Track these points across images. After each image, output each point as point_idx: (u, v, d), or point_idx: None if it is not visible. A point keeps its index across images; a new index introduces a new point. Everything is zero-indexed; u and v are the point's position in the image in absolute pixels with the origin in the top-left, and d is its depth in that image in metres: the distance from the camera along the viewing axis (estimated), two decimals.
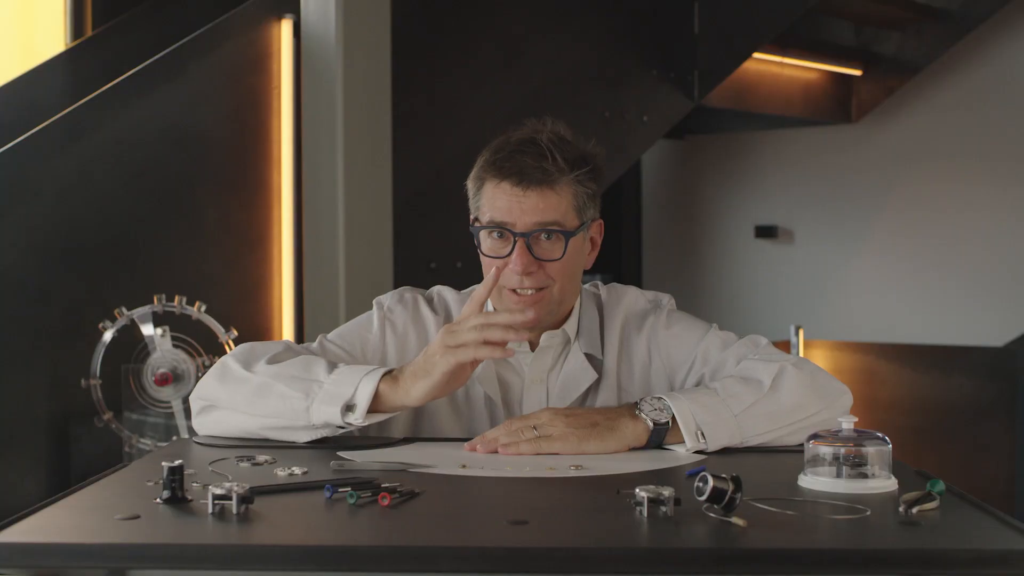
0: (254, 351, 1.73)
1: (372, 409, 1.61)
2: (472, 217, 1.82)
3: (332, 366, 1.66)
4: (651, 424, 1.60)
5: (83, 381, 2.94)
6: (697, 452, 1.59)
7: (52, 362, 3.55)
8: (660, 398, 1.63)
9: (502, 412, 1.79)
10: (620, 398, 1.81)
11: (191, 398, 1.75)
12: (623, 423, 1.61)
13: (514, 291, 1.74)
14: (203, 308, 2.93)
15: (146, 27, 4.71)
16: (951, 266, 6.98)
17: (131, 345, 2.98)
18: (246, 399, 1.66)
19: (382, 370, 1.63)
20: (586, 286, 1.89)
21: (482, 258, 1.79)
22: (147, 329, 2.88)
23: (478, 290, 1.66)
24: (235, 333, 2.95)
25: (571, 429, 1.58)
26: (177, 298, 2.91)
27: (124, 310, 2.90)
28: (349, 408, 1.60)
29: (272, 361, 1.69)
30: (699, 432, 1.59)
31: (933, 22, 6.61)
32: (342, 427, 1.62)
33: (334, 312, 4.02)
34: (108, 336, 2.92)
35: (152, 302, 2.90)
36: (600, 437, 1.59)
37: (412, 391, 1.61)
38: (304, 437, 1.64)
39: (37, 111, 4.11)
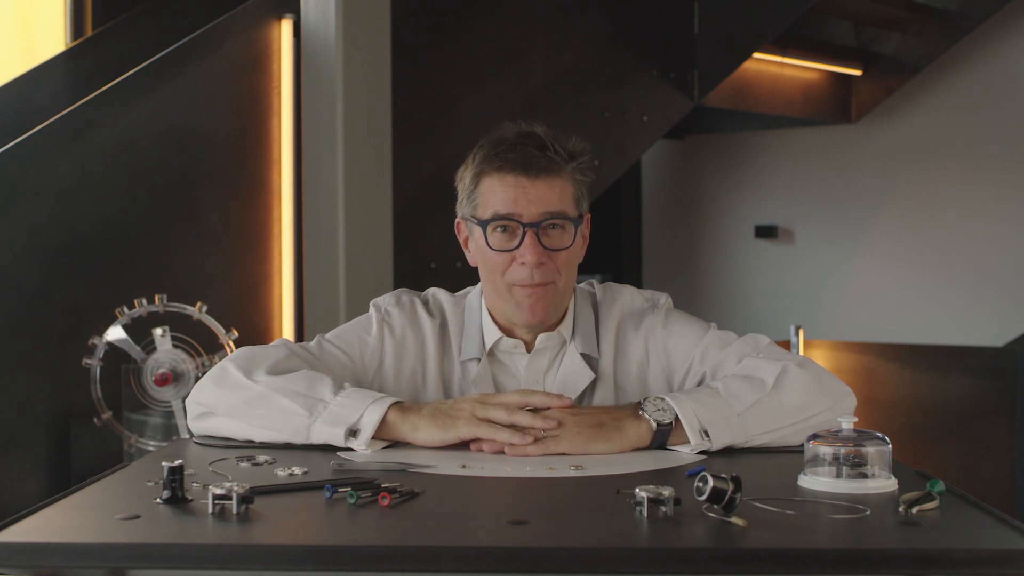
0: (254, 357, 1.71)
1: (375, 436, 1.60)
2: (462, 216, 1.81)
3: (338, 386, 1.64)
4: (655, 424, 1.59)
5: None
6: (700, 452, 1.59)
7: (52, 362, 3.55)
8: (662, 398, 1.62)
9: None
10: (617, 398, 1.81)
11: (188, 402, 1.73)
12: (628, 424, 1.60)
13: (523, 285, 1.74)
14: (204, 308, 2.93)
15: (146, 27, 4.71)
16: (951, 266, 6.98)
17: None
18: (244, 408, 1.65)
19: (390, 399, 1.62)
20: (581, 285, 1.88)
21: (482, 255, 1.78)
22: (124, 343, 2.88)
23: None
24: (236, 334, 2.95)
25: (578, 429, 1.58)
26: (157, 297, 2.89)
27: (97, 339, 2.90)
28: (352, 433, 1.60)
29: (273, 371, 1.68)
30: (703, 431, 1.59)
31: (933, 22, 6.61)
32: (341, 449, 1.61)
33: (334, 312, 4.02)
34: (96, 370, 2.92)
35: (153, 301, 2.90)
36: (607, 438, 1.59)
37: (420, 432, 1.60)
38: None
39: (37, 111, 4.11)
